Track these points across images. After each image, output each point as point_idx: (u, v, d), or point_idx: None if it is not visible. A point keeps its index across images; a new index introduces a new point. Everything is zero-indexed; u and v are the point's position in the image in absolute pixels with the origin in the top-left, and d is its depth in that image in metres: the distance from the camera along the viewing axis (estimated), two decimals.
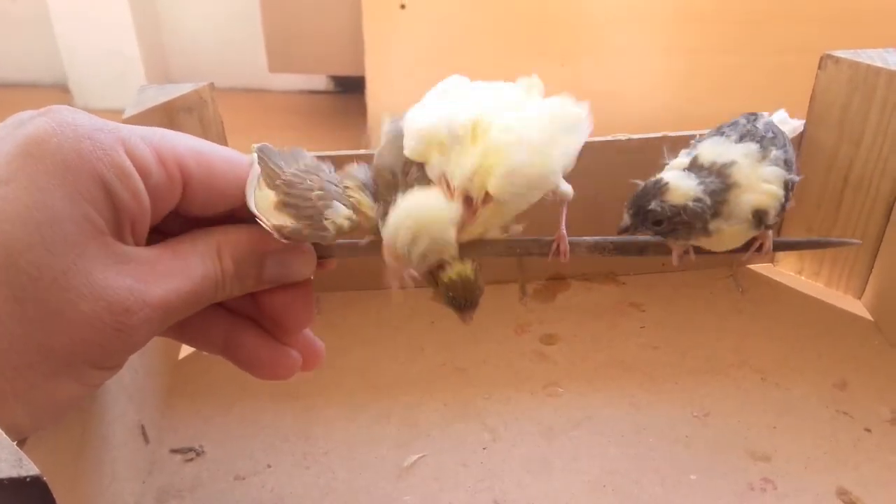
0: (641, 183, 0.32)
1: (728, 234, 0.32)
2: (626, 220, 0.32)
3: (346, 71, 0.74)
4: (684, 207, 0.31)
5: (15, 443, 0.21)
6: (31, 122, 0.26)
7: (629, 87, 0.63)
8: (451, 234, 0.29)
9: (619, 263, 0.48)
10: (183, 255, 0.28)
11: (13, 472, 0.21)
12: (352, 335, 0.44)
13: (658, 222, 0.31)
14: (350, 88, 0.78)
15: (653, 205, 0.31)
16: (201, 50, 0.80)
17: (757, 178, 0.32)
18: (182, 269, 0.27)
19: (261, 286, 0.30)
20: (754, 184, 0.31)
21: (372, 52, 0.64)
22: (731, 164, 0.32)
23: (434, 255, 0.29)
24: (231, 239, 0.29)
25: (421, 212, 0.29)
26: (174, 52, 0.80)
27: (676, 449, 0.38)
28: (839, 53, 0.42)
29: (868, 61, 0.41)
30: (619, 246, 0.33)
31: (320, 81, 0.81)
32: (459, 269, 0.30)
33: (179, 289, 0.27)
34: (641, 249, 0.33)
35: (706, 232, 0.31)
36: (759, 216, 0.31)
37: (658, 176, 0.32)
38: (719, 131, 0.34)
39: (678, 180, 0.31)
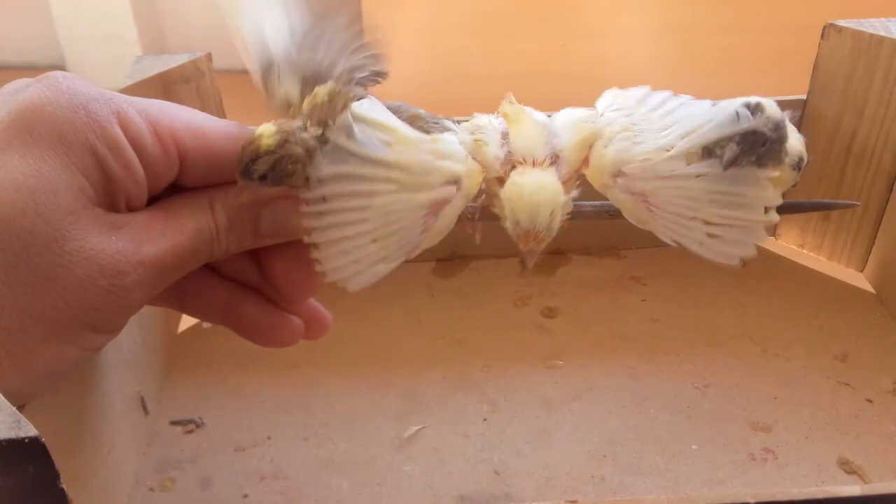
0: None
1: (785, 173, 0.30)
2: (734, 150, 0.28)
3: None
4: (782, 120, 0.29)
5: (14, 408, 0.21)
6: (27, 89, 0.26)
7: (629, 67, 0.63)
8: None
9: (620, 237, 0.48)
10: (175, 212, 0.27)
11: (11, 434, 0.21)
12: (350, 308, 0.44)
13: (764, 143, 0.28)
14: None
15: (761, 125, 0.28)
16: (199, 31, 0.80)
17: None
18: (174, 227, 0.27)
19: (259, 241, 0.29)
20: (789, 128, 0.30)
21: (370, 32, 0.64)
22: None
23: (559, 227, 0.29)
24: (224, 192, 0.28)
25: (544, 192, 0.29)
26: (172, 34, 0.80)
27: (677, 420, 0.38)
28: (842, 23, 0.41)
29: (871, 30, 0.41)
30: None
31: None
32: (264, 129, 0.26)
33: (173, 246, 0.27)
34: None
35: (780, 159, 0.29)
36: (799, 159, 0.30)
37: (743, 100, 0.29)
38: None
39: (764, 99, 0.29)
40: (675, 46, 0.61)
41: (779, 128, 0.29)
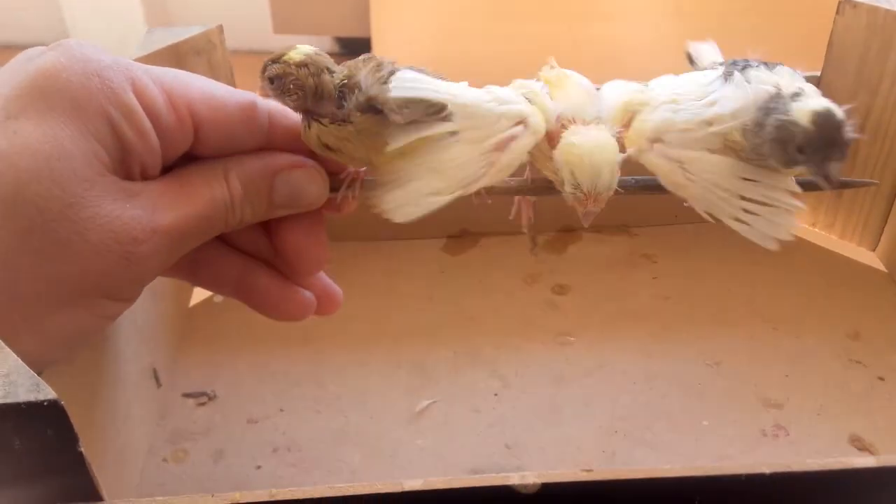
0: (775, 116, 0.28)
1: None
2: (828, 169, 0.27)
3: (351, 32, 0.73)
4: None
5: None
6: (42, 56, 0.26)
7: (636, 50, 0.63)
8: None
9: (631, 215, 0.48)
10: (189, 181, 0.27)
11: (31, 396, 0.21)
12: (361, 284, 0.44)
13: (843, 152, 0.27)
14: (356, 50, 0.77)
15: (847, 134, 0.27)
16: (205, 10, 0.79)
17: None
18: (189, 195, 0.27)
19: (274, 210, 0.29)
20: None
21: (378, 13, 0.63)
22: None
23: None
24: (239, 161, 0.29)
25: (605, 152, 0.29)
26: (178, 13, 0.80)
27: (688, 396, 0.38)
28: None
29: (887, 6, 0.40)
30: (640, 182, 0.32)
31: (325, 43, 0.80)
32: (304, 48, 0.28)
33: (187, 215, 0.27)
34: (662, 185, 0.32)
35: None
36: None
37: (822, 105, 0.28)
38: (735, 66, 0.32)
39: (827, 102, 0.28)
40: (685, 27, 0.61)
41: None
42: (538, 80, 0.32)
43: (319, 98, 0.28)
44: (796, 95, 0.29)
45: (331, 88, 0.28)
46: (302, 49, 0.28)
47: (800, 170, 0.29)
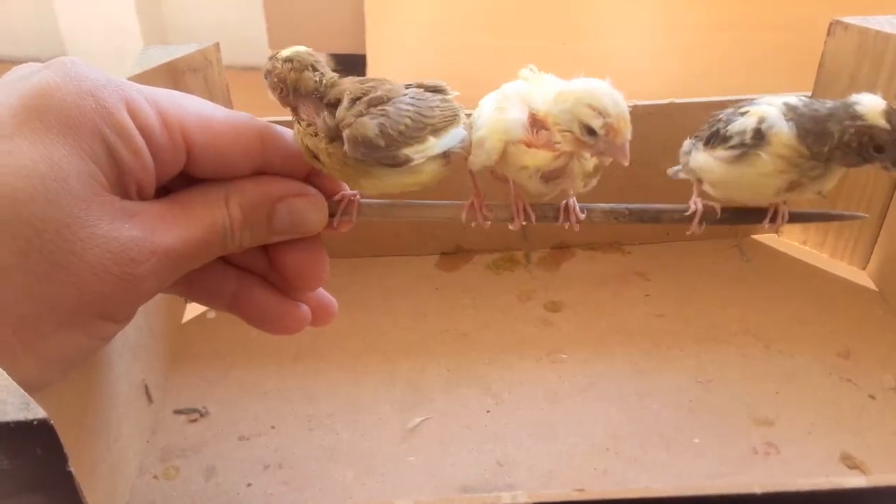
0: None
1: None
2: None
3: (347, 49, 0.73)
4: None
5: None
6: (36, 75, 0.26)
7: (631, 65, 0.63)
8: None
9: (624, 233, 0.48)
10: (189, 205, 0.27)
11: (20, 416, 0.21)
12: (355, 301, 0.44)
13: None
14: (351, 67, 0.77)
15: None
16: (202, 27, 0.80)
17: None
18: (188, 218, 0.27)
19: (273, 237, 0.30)
20: None
21: (373, 30, 0.64)
22: None
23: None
24: (239, 187, 0.29)
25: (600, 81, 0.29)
26: (175, 29, 0.80)
27: (680, 414, 0.38)
28: (848, 19, 0.41)
29: (877, 27, 0.41)
30: (634, 212, 0.32)
31: (321, 60, 0.80)
32: (299, 47, 0.30)
33: (186, 238, 0.27)
34: (657, 216, 0.32)
35: None
36: None
37: (882, 102, 0.29)
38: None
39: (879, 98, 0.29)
40: (678, 44, 0.61)
41: None
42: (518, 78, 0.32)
43: (299, 94, 0.29)
44: (852, 103, 0.29)
45: (309, 86, 0.28)
46: (295, 48, 0.29)
47: (868, 167, 0.29)
